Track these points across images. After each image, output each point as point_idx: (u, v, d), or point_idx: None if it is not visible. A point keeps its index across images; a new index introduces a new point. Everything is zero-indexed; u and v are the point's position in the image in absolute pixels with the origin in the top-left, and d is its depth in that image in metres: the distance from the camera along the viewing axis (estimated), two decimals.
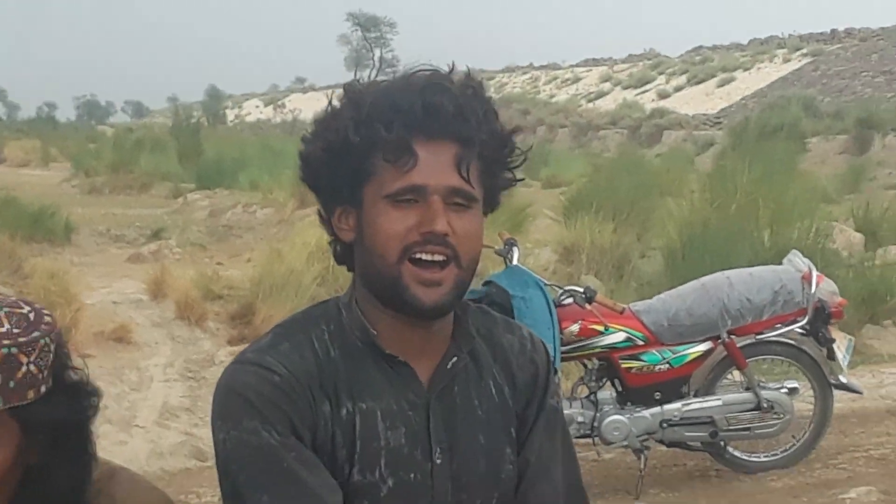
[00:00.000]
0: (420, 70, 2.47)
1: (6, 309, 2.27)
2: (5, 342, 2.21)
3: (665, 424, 7.79)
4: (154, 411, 10.04)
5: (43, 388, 2.27)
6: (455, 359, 2.56)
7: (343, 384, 2.48)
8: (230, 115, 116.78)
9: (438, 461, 2.51)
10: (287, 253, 13.08)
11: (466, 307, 2.67)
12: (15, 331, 2.23)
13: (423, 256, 2.41)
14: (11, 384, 2.21)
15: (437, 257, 2.42)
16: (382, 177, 2.43)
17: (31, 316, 2.28)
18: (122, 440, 9.19)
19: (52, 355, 2.31)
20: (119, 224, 22.81)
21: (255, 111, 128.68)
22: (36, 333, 2.26)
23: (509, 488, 2.61)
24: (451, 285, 2.44)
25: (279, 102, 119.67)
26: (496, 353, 2.67)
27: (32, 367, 2.25)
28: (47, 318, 2.31)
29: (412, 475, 2.48)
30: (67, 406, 2.32)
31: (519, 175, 2.58)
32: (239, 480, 2.37)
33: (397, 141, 2.40)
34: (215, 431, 2.42)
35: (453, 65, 2.53)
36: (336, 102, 2.51)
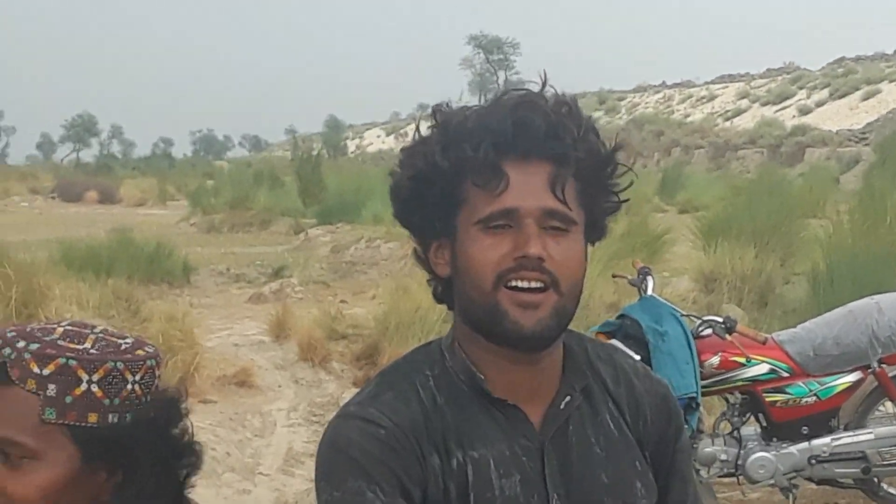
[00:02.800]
0: (512, 90, 2.45)
1: (100, 334, 2.30)
2: (68, 354, 2.23)
3: (814, 461, 7.69)
4: (278, 458, 10.11)
5: (112, 418, 2.26)
6: (568, 398, 2.51)
7: (452, 433, 2.44)
8: (351, 145, 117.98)
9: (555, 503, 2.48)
10: (413, 289, 13.09)
11: (581, 338, 2.65)
12: (91, 350, 2.25)
13: (519, 284, 2.37)
14: (69, 400, 2.22)
15: (534, 284, 2.37)
16: (473, 203, 2.40)
17: (121, 346, 2.29)
18: (245, 489, 9.26)
19: (130, 387, 2.29)
20: (239, 263, 23.06)
21: (376, 141, 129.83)
22: (109, 358, 2.26)
23: None
24: (550, 310, 2.38)
25: (402, 131, 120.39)
26: (618, 375, 2.63)
27: (95, 389, 2.24)
28: (140, 353, 2.30)
29: None
30: (148, 447, 2.29)
31: (624, 197, 2.49)
32: None
33: (486, 162, 2.37)
34: (319, 493, 2.39)
35: (544, 80, 2.46)
36: (425, 130, 2.48)
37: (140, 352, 2.29)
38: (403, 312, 12.29)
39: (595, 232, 2.53)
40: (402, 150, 2.52)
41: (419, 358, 2.56)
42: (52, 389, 2.20)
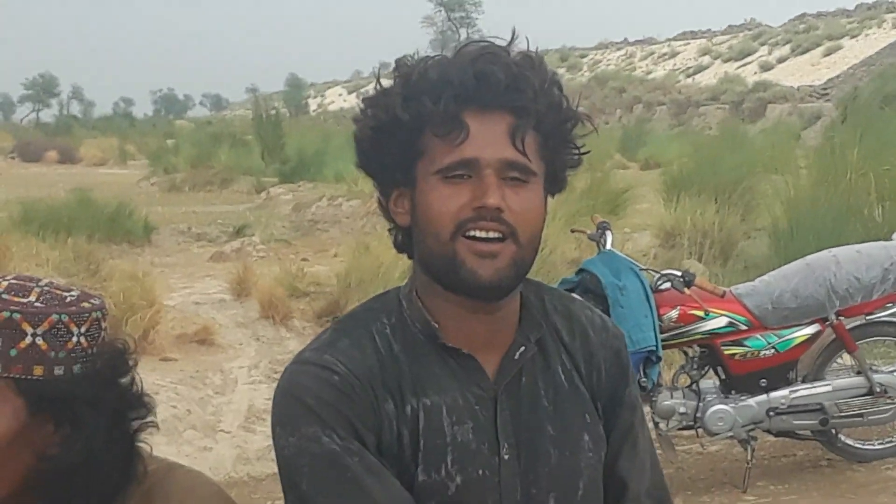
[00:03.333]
0: (473, 42, 2.46)
1: (45, 287, 2.31)
2: (12, 307, 2.24)
3: (772, 413, 7.76)
4: (239, 415, 10.12)
5: (58, 371, 2.26)
6: (522, 349, 2.53)
7: (406, 380, 2.46)
8: (312, 104, 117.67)
9: (506, 457, 2.47)
10: (375, 246, 13.13)
11: (540, 288, 2.66)
12: (36, 304, 2.26)
13: (478, 233, 2.37)
14: (13, 353, 2.23)
15: (492, 234, 2.37)
16: (433, 153, 2.40)
17: (66, 298, 2.30)
18: (206, 446, 9.28)
19: (76, 339, 2.29)
20: (200, 222, 23.02)
21: (338, 99, 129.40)
22: (54, 311, 2.27)
23: (595, 477, 2.58)
24: (508, 260, 2.38)
25: (363, 89, 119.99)
26: (573, 327, 2.63)
27: (40, 342, 2.25)
28: (85, 305, 2.32)
29: (480, 471, 2.45)
30: (94, 400, 2.30)
31: (585, 152, 2.49)
32: (302, 490, 2.37)
33: (446, 113, 2.37)
34: (276, 439, 2.40)
35: (513, 35, 2.46)
36: (385, 81, 2.49)
37: (85, 304, 2.30)
38: (365, 270, 12.32)
39: (555, 184, 2.54)
40: (364, 100, 2.52)
41: (376, 306, 2.58)
42: None
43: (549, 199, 2.54)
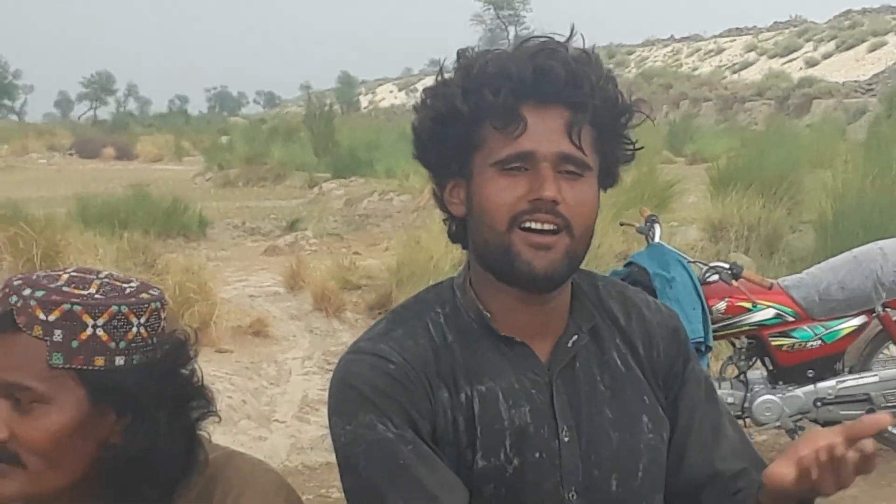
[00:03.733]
0: (533, 38, 2.47)
1: (105, 279, 2.32)
2: (73, 299, 2.24)
3: (819, 403, 7.75)
4: (293, 405, 10.16)
5: (119, 361, 2.26)
6: (575, 337, 2.54)
7: (460, 368, 2.48)
8: (364, 101, 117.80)
9: (566, 439, 2.48)
10: (425, 240, 13.14)
11: (593, 277, 2.68)
12: (96, 295, 2.27)
13: (533, 225, 2.39)
14: (75, 345, 2.23)
15: (547, 226, 2.39)
16: (491, 145, 2.42)
17: (126, 289, 2.31)
18: (261, 435, 9.32)
19: (136, 330, 2.29)
20: (254, 217, 23.06)
21: (388, 96, 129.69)
22: (114, 302, 2.27)
23: (656, 457, 2.58)
24: (562, 252, 2.41)
25: (413, 86, 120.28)
26: (629, 310, 2.65)
27: (101, 333, 2.25)
28: (144, 296, 2.32)
29: (538, 454, 2.46)
30: (155, 389, 2.30)
31: (638, 145, 2.53)
32: (358, 476, 2.39)
33: (505, 106, 2.38)
34: (332, 427, 2.43)
35: (572, 31, 2.47)
36: (446, 73, 2.50)
37: (144, 295, 2.31)
38: (416, 263, 12.33)
39: (608, 179, 2.57)
40: (425, 90, 2.55)
41: (430, 297, 2.60)
42: (58, 335, 2.21)
43: (602, 193, 2.54)
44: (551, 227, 2.40)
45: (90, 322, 2.23)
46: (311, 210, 24.15)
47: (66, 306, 2.22)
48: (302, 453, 9.20)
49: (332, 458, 2.42)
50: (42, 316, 2.21)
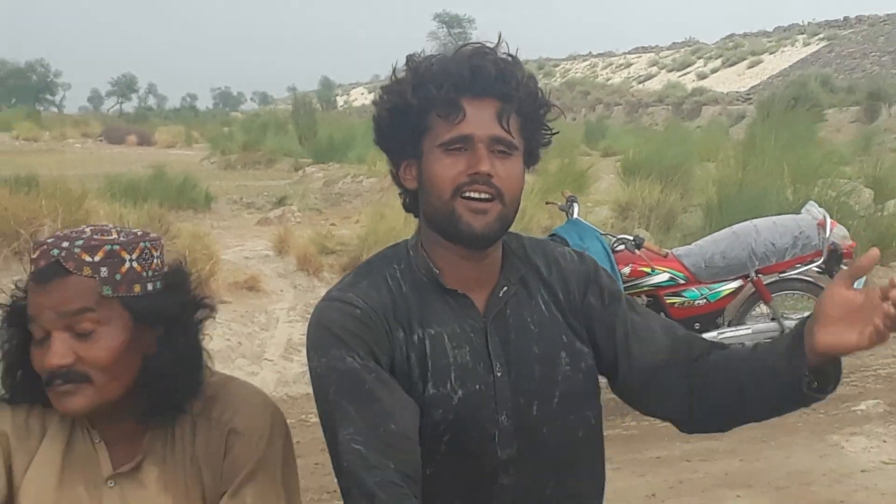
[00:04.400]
0: (469, 43, 2.53)
1: (117, 227, 2.37)
2: (111, 242, 2.30)
3: None
4: (280, 347, 10.21)
5: (149, 287, 2.33)
6: (505, 288, 2.58)
7: (414, 314, 2.51)
8: (340, 101, 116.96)
9: (499, 374, 2.52)
10: (388, 214, 13.11)
11: (520, 237, 2.71)
12: (122, 238, 2.32)
13: (472, 194, 2.45)
14: (118, 277, 2.28)
15: (483, 195, 2.45)
16: (436, 130, 2.47)
17: (138, 232, 2.37)
18: (253, 371, 9.38)
19: (156, 261, 2.36)
20: (250, 194, 22.96)
21: (360, 97, 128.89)
22: (141, 240, 2.34)
23: (571, 386, 2.59)
24: (496, 216, 2.46)
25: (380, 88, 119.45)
26: (549, 262, 2.67)
27: (135, 265, 2.31)
28: (153, 235, 2.40)
29: (477, 386, 2.50)
30: (176, 306, 2.36)
31: (554, 137, 2.60)
32: (330, 400, 2.39)
33: (447, 98, 2.45)
34: (309, 360, 2.45)
35: (499, 39, 2.55)
36: (399, 73, 2.54)
37: (153, 234, 2.40)
38: (381, 232, 12.31)
39: (531, 158, 2.61)
40: (382, 87, 2.60)
41: (389, 255, 2.63)
42: (104, 271, 2.27)
43: (527, 171, 2.60)
44: (486, 195, 2.45)
45: (127, 257, 2.31)
46: (296, 189, 24.02)
47: (108, 247, 2.29)
48: (286, 386, 9.28)
49: (311, 390, 2.44)
50: (88, 258, 2.27)
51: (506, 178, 2.47)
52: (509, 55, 2.52)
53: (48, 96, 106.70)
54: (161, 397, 2.35)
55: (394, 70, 2.57)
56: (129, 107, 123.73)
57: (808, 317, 2.31)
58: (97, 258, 2.27)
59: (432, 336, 2.51)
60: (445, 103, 2.46)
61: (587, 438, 2.65)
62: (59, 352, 2.24)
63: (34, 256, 2.29)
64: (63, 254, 2.25)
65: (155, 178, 19.80)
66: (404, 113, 2.52)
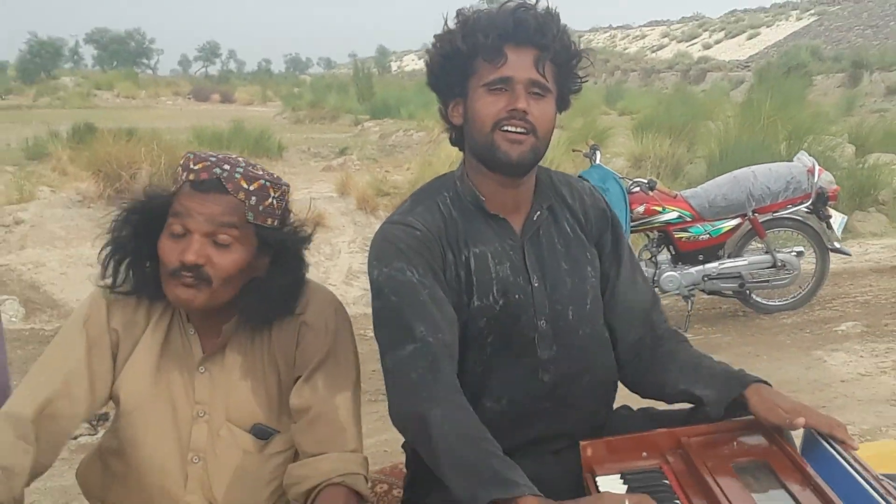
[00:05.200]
0: (512, 0, 2.52)
1: (267, 173, 2.43)
2: (264, 178, 2.37)
3: (706, 278, 7.79)
4: (342, 274, 10.26)
5: (275, 223, 2.39)
6: (538, 212, 2.61)
7: (461, 236, 2.54)
8: (394, 66, 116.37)
9: (536, 285, 2.55)
10: (434, 163, 13.15)
11: (548, 171, 2.73)
12: (268, 176, 2.40)
13: (509, 128, 2.46)
14: (261, 208, 2.35)
15: (519, 129, 2.46)
16: (481, 72, 2.48)
17: (278, 177, 2.47)
18: None
19: (286, 203, 2.43)
20: (316, 145, 22.97)
21: (412, 63, 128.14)
22: (282, 184, 2.43)
23: (597, 294, 2.66)
24: (529, 147, 2.47)
25: None
26: (574, 193, 2.71)
27: (274, 202, 2.39)
28: (285, 182, 2.48)
29: (517, 296, 2.53)
30: (290, 240, 2.43)
31: (584, 78, 2.61)
32: (387, 302, 2.41)
33: (493, 45, 2.46)
34: (371, 270, 2.47)
35: None
36: (450, 24, 2.56)
37: (284, 181, 2.47)
38: (428, 177, 12.01)
39: (562, 103, 2.61)
40: (435, 36, 2.59)
41: (438, 185, 2.66)
42: (253, 200, 2.35)
43: (558, 114, 2.60)
44: (522, 129, 2.46)
45: (272, 194, 2.39)
46: (355, 141, 24.02)
47: (262, 181, 2.38)
48: (347, 307, 9.18)
49: (369, 310, 2.47)
50: (245, 185, 2.35)
51: (539, 116, 2.48)
52: (548, 9, 2.52)
53: (144, 60, 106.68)
54: (261, 311, 2.41)
55: (445, 20, 2.57)
56: (214, 70, 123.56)
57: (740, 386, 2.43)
58: (252, 188, 2.35)
59: (477, 255, 2.53)
60: (490, 49, 2.46)
61: (605, 338, 2.69)
62: (197, 251, 2.30)
63: (195, 168, 2.34)
64: (226, 175, 2.32)
65: (235, 131, 19.87)
66: (454, 57, 2.53)
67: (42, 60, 74.43)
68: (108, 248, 2.40)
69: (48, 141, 16.87)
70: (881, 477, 2.08)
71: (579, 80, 2.60)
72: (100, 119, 20.85)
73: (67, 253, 10.64)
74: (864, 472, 2.09)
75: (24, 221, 11.41)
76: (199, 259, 2.29)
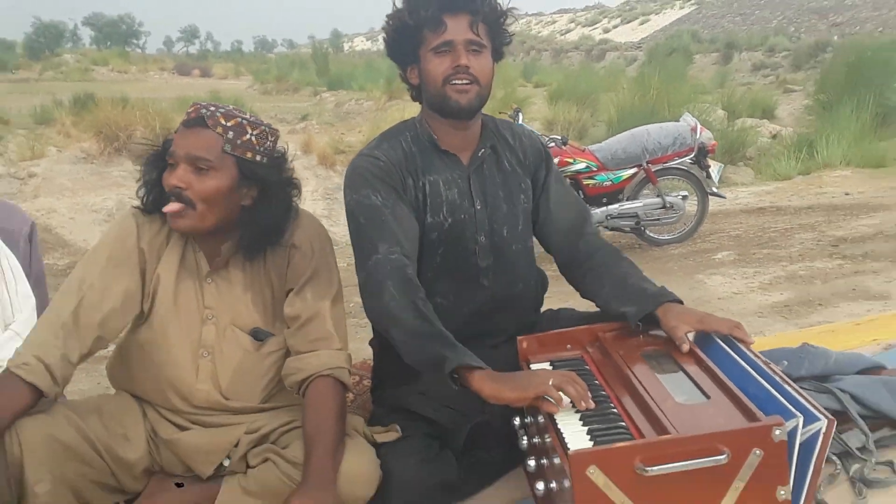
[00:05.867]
0: None
1: (254, 116, 2.41)
2: (243, 117, 2.35)
3: (609, 217, 7.85)
4: None
5: (258, 158, 2.35)
6: (482, 150, 2.65)
7: (419, 167, 2.58)
8: (346, 47, 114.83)
9: (478, 207, 2.59)
10: (382, 125, 13.02)
11: (492, 118, 2.76)
12: (251, 118, 2.36)
13: (457, 81, 2.50)
14: (238, 142, 2.32)
15: (464, 81, 2.50)
16: (428, 40, 2.52)
17: (265, 122, 2.41)
18: None
19: (269, 144, 2.38)
20: (282, 112, 22.61)
21: (361, 44, 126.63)
22: (263, 125, 2.38)
23: (527, 217, 2.71)
24: (475, 94, 2.52)
25: (375, 38, 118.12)
26: (514, 134, 2.76)
27: (253, 139, 2.35)
28: (275, 128, 2.42)
29: (462, 216, 2.58)
30: (273, 176, 2.38)
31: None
32: (357, 224, 2.47)
33: (433, 17, 2.49)
34: (345, 196, 2.54)
35: None
36: (398, 4, 2.59)
37: (275, 128, 2.44)
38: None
39: (497, 54, 2.65)
40: (387, 15, 2.62)
41: (401, 127, 2.69)
42: (230, 134, 2.32)
43: (495, 63, 2.62)
44: (466, 80, 2.51)
45: (249, 131, 2.35)
46: (315, 109, 23.68)
47: (239, 119, 2.34)
48: None
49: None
50: (223, 122, 2.32)
51: (479, 69, 2.52)
52: None
53: (134, 41, 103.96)
54: (253, 237, 2.39)
55: (393, 2, 2.60)
56: (193, 49, 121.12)
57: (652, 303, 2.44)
58: (229, 124, 2.32)
59: (431, 182, 2.57)
60: (432, 20, 2.49)
61: (533, 254, 2.74)
62: (180, 176, 2.30)
63: (189, 111, 2.34)
64: (207, 113, 2.31)
65: (213, 100, 19.47)
66: (404, 31, 2.55)
67: (46, 40, 72.40)
68: (140, 183, 2.43)
69: (53, 108, 16.44)
70: (763, 357, 2.16)
71: (508, 35, 2.64)
72: (97, 90, 20.33)
73: (74, 201, 10.48)
74: (755, 359, 2.17)
75: (36, 175, 11.20)
76: (181, 183, 2.29)
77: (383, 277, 2.35)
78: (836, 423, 1.90)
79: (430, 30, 2.50)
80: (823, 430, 1.87)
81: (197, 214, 2.32)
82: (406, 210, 2.51)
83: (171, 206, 2.32)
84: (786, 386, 2.01)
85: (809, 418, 1.90)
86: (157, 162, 2.39)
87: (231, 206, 2.36)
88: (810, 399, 1.95)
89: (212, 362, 2.42)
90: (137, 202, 2.44)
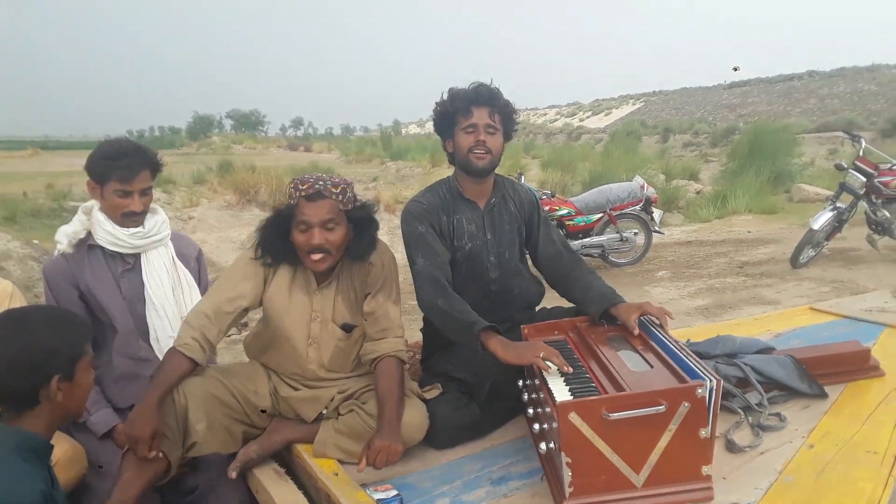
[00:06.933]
0: (474, 82, 2.54)
1: (339, 178, 2.33)
2: (342, 184, 2.30)
3: (583, 247, 7.77)
4: None
5: (350, 206, 2.32)
6: (494, 199, 2.63)
7: (450, 209, 2.57)
8: (403, 131, 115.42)
9: (489, 237, 2.58)
10: (426, 183, 13.00)
11: (502, 178, 2.72)
12: (341, 181, 2.31)
13: (477, 151, 2.50)
14: (345, 199, 2.29)
15: (482, 151, 2.49)
16: (460, 122, 2.51)
17: (347, 181, 2.34)
18: None
19: (354, 196, 2.34)
20: (359, 175, 22.50)
21: (413, 129, 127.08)
22: (347, 181, 2.34)
23: (521, 247, 2.68)
24: (488, 161, 2.51)
25: (424, 124, 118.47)
26: (516, 190, 2.72)
27: (351, 195, 2.32)
28: (352, 181, 2.37)
29: (478, 242, 2.57)
30: (364, 217, 2.35)
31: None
32: (411, 245, 2.47)
33: (465, 107, 2.49)
34: (401, 227, 2.53)
35: (491, 81, 2.56)
36: (444, 96, 2.56)
37: (349, 179, 2.37)
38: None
39: (507, 136, 2.62)
40: (436, 103, 2.58)
41: (440, 182, 2.69)
42: (340, 196, 2.27)
43: (505, 142, 2.59)
44: (483, 151, 2.51)
45: (350, 191, 2.30)
46: (382, 173, 23.74)
47: (343, 186, 2.28)
48: None
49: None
50: (335, 190, 2.27)
51: (493, 144, 2.52)
52: (494, 87, 2.54)
53: (260, 127, 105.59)
54: (354, 257, 2.35)
55: (442, 94, 2.57)
56: (300, 133, 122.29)
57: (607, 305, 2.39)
58: (338, 190, 2.28)
59: (457, 219, 2.56)
60: (463, 109, 2.51)
61: (528, 269, 2.72)
62: (319, 236, 2.27)
63: (304, 187, 2.26)
64: (321, 186, 2.26)
65: (312, 168, 19.52)
66: (445, 115, 2.56)
67: (200, 127, 74.19)
68: (258, 240, 2.37)
69: (206, 173, 16.67)
70: (680, 342, 2.16)
71: (516, 123, 2.62)
72: (235, 161, 20.59)
73: (219, 235, 10.60)
74: (673, 340, 2.17)
75: (194, 217, 11.36)
76: (321, 241, 2.27)
77: (423, 280, 2.39)
78: (723, 383, 1.92)
79: (462, 115, 2.51)
80: (714, 387, 1.87)
81: (332, 257, 2.32)
82: (438, 238, 2.52)
83: (316, 257, 2.29)
84: (691, 358, 2.01)
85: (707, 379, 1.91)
86: (279, 227, 2.33)
87: (346, 244, 2.36)
88: (705, 366, 1.95)
89: (317, 348, 2.43)
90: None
